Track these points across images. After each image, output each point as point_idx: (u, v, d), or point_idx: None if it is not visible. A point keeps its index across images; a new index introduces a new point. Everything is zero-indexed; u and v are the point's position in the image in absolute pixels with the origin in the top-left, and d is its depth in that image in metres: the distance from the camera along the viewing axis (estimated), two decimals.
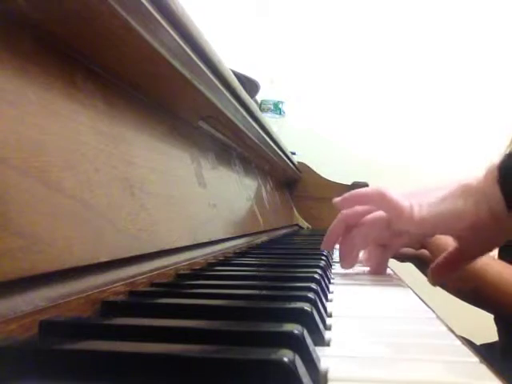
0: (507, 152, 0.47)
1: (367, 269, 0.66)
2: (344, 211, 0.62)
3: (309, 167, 1.86)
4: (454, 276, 0.57)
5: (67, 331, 0.27)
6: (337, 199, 0.63)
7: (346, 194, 0.62)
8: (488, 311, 0.85)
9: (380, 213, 0.58)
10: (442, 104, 2.24)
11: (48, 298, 0.28)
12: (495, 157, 0.49)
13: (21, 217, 0.27)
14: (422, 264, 0.95)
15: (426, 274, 0.91)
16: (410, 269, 0.98)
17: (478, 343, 0.92)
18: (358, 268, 0.65)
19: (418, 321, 0.38)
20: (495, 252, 0.84)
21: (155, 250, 0.44)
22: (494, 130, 1.98)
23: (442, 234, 0.65)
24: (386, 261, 0.65)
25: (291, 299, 0.35)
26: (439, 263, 0.56)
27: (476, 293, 0.77)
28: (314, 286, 0.40)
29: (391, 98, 2.26)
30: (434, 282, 0.57)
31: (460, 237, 0.53)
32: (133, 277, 0.39)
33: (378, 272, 0.64)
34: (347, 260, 0.62)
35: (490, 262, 0.76)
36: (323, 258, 0.62)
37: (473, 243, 0.52)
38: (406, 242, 0.70)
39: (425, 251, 0.85)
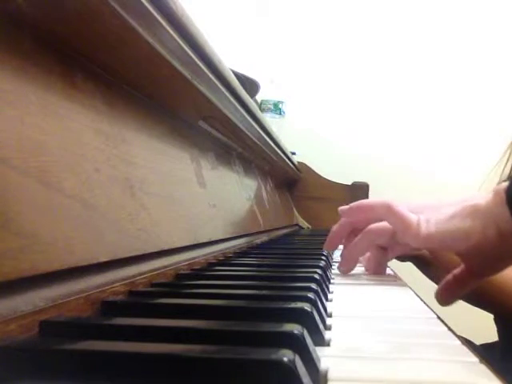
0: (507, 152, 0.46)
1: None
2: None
3: (309, 167, 1.86)
4: (463, 295, 0.55)
5: (67, 331, 0.27)
6: (343, 208, 0.62)
7: (353, 204, 0.61)
8: (489, 311, 0.85)
9: (386, 223, 0.57)
10: (442, 105, 2.24)
11: (48, 298, 0.28)
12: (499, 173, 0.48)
13: (21, 217, 0.27)
14: (421, 263, 0.95)
15: (426, 274, 0.91)
16: (410, 269, 0.98)
17: (477, 343, 0.92)
18: (358, 268, 0.64)
19: (418, 321, 0.38)
20: None
21: (155, 250, 0.44)
22: (493, 131, 1.98)
23: (447, 251, 0.64)
24: (386, 262, 0.65)
25: (291, 299, 0.35)
26: (448, 281, 0.54)
27: (479, 294, 0.76)
28: (314, 286, 0.40)
29: (391, 98, 2.26)
30: (443, 301, 0.55)
31: (465, 256, 0.52)
32: (133, 277, 0.39)
33: (378, 272, 0.63)
34: (348, 263, 0.62)
35: None
36: (323, 258, 0.62)
37: (477, 263, 0.51)
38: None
39: (425, 251, 0.85)
